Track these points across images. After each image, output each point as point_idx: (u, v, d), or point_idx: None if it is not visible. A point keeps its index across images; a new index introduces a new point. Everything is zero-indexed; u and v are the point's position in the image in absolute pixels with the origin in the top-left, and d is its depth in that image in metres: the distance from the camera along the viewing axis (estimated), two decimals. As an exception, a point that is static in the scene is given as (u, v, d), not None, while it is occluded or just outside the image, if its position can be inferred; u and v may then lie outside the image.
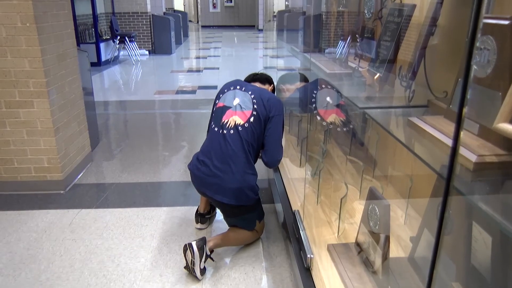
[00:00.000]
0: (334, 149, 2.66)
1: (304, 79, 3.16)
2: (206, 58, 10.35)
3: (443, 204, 0.73)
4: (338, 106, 2.61)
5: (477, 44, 1.15)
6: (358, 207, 2.06)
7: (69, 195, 2.96)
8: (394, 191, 2.13)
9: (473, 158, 1.03)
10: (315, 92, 2.74)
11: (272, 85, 2.63)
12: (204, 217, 2.51)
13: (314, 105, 2.68)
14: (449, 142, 1.01)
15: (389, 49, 1.95)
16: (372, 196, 1.53)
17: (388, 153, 2.19)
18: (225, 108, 2.26)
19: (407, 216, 1.91)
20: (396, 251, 1.69)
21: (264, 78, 2.60)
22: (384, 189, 2.04)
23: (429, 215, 1.50)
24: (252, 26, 19.62)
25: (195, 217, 2.52)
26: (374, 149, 2.26)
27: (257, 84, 2.53)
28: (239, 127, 2.16)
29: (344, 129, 2.53)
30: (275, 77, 3.06)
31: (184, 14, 14.73)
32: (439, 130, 1.22)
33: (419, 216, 1.83)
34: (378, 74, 1.91)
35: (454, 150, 0.78)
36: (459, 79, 1.33)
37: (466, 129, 1.19)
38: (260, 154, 2.30)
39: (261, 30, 17.82)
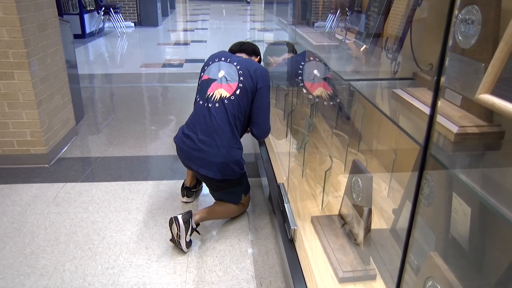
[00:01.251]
0: (321, 123, 2.66)
1: (292, 50, 3.11)
2: (193, 30, 10.16)
3: (419, 173, 0.73)
4: (325, 79, 2.59)
5: (462, 14, 1.14)
6: (343, 180, 2.07)
7: (53, 169, 2.93)
8: (378, 164, 2.15)
9: (454, 129, 1.03)
10: (302, 64, 2.71)
11: (258, 56, 2.58)
12: (190, 191, 2.51)
13: (300, 78, 2.65)
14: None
15: (375, 21, 1.93)
16: (356, 168, 1.54)
17: (374, 127, 2.20)
18: (210, 81, 2.22)
19: (390, 189, 1.94)
20: (378, 223, 1.72)
21: (251, 50, 2.53)
22: (368, 162, 2.06)
23: (411, 188, 1.52)
24: (240, -1, 19.26)
25: (181, 190, 2.52)
26: (359, 123, 2.27)
27: (243, 55, 2.48)
28: (225, 100, 2.13)
29: (331, 103, 2.52)
30: (262, 50, 3.01)
31: (171, -15, 14.35)
32: (423, 102, 1.22)
33: (402, 188, 1.86)
34: (364, 46, 1.89)
35: (432, 118, 0.78)
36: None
37: (448, 101, 1.19)
38: (249, 128, 2.28)
39: (249, 2, 17.50)
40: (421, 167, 0.78)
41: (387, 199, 1.89)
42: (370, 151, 2.27)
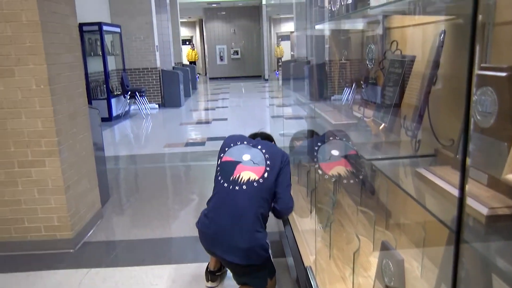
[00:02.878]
0: (345, 198, 2.63)
1: (313, 135, 3.21)
2: (214, 109, 10.56)
3: (454, 264, 0.71)
4: (347, 156, 2.61)
5: (477, 94, 1.17)
6: (373, 260, 2.00)
7: (78, 254, 2.93)
8: (408, 241, 2.08)
9: (484, 211, 1.01)
10: (318, 144, 2.76)
11: (272, 142, 2.64)
12: (214, 275, 2.45)
13: (315, 158, 2.68)
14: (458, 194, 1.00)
15: (392, 99, 1.97)
16: (385, 251, 1.49)
17: (399, 202, 2.16)
18: (234, 163, 2.24)
19: (423, 268, 1.85)
20: (414, 306, 1.62)
21: (265, 137, 2.60)
22: (397, 240, 1.99)
23: (445, 269, 1.45)
24: (258, 76, 20.15)
25: (205, 274, 2.47)
26: (385, 198, 2.23)
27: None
28: (254, 183, 2.13)
29: (351, 181, 2.50)
30: (281, 125, 3.10)
31: (192, 67, 15.22)
32: (447, 182, 1.21)
33: (435, 267, 1.77)
34: (383, 125, 1.92)
35: (461, 205, 0.77)
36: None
37: (475, 180, 1.18)
38: (272, 205, 2.27)
39: (267, 80, 18.27)
40: (456, 257, 0.76)
41: (421, 280, 1.80)
42: (398, 226, 2.20)
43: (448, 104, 1.74)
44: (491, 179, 1.13)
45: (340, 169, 2.55)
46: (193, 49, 21.19)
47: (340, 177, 2.51)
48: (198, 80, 19.55)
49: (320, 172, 2.56)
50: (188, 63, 19.53)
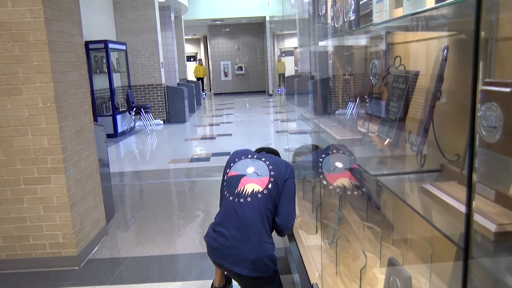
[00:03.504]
0: (350, 214, 2.61)
1: (316, 149, 3.20)
2: (219, 124, 10.59)
3: (463, 282, 0.70)
4: (350, 169, 2.60)
5: (482, 110, 1.16)
6: (380, 276, 1.97)
7: (83, 271, 2.91)
8: (415, 257, 2.05)
9: (492, 227, 1.00)
10: (323, 155, 2.75)
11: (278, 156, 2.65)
12: (219, 291, 2.43)
13: (320, 169, 2.68)
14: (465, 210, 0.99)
15: (396, 114, 1.97)
16: (392, 267, 1.47)
17: (406, 218, 2.14)
18: (239, 177, 2.27)
19: (431, 285, 1.82)
20: (423, 325, 1.59)
21: (270, 151, 2.63)
22: (404, 256, 1.97)
23: (453, 285, 1.43)
24: (262, 92, 20.27)
25: (211, 291, 2.44)
26: (391, 213, 2.21)
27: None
28: (258, 194, 2.16)
29: (355, 192, 2.49)
30: (286, 140, 3.10)
31: (197, 84, 15.34)
32: (454, 198, 1.20)
33: (444, 284, 1.74)
34: (388, 140, 1.92)
35: (469, 221, 0.76)
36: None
37: (482, 195, 1.16)
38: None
39: (271, 95, 18.38)
40: (464, 273, 0.75)
41: (429, 297, 1.77)
42: (405, 242, 2.18)
43: (453, 118, 1.74)
44: (499, 194, 1.12)
45: (344, 181, 2.54)
46: (201, 65, 20.78)
47: (344, 189, 2.50)
48: (205, 96, 19.59)
49: (324, 182, 2.55)
50: (195, 79, 19.54)
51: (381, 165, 1.96)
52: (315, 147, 3.20)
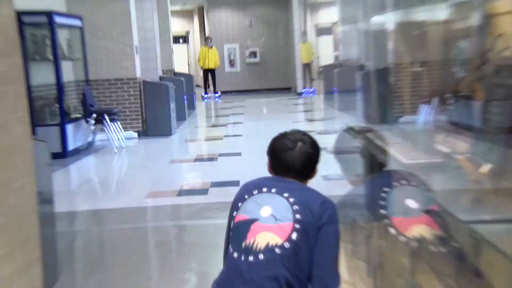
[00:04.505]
0: (431, 282, 2.53)
1: (378, 165, 3.12)
2: (222, 139, 10.58)
3: None
4: (428, 212, 2.54)
5: None
6: None
7: None
8: None
9: None
10: (385, 190, 2.71)
11: (316, 154, 2.45)
12: None
13: (384, 210, 2.64)
14: None
15: (503, 123, 1.91)
16: None
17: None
18: (248, 222, 2.22)
19: None
20: None
21: (302, 153, 2.37)
22: None
23: None
24: (287, 89, 20.32)
25: None
26: (498, 283, 2.13)
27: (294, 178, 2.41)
28: (276, 249, 2.09)
29: (441, 248, 2.42)
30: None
31: (189, 77, 15.44)
32: None
33: None
34: (488, 165, 1.85)
35: None
36: None
37: None
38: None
39: (302, 93, 18.35)
40: None
41: None
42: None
43: None
44: None
45: (423, 230, 2.50)
46: (211, 47, 19.14)
47: (424, 242, 2.46)
48: (207, 100, 18.96)
49: (393, 231, 2.48)
50: (202, 71, 19.09)
51: (478, 205, 1.88)
52: (376, 162, 3.10)
